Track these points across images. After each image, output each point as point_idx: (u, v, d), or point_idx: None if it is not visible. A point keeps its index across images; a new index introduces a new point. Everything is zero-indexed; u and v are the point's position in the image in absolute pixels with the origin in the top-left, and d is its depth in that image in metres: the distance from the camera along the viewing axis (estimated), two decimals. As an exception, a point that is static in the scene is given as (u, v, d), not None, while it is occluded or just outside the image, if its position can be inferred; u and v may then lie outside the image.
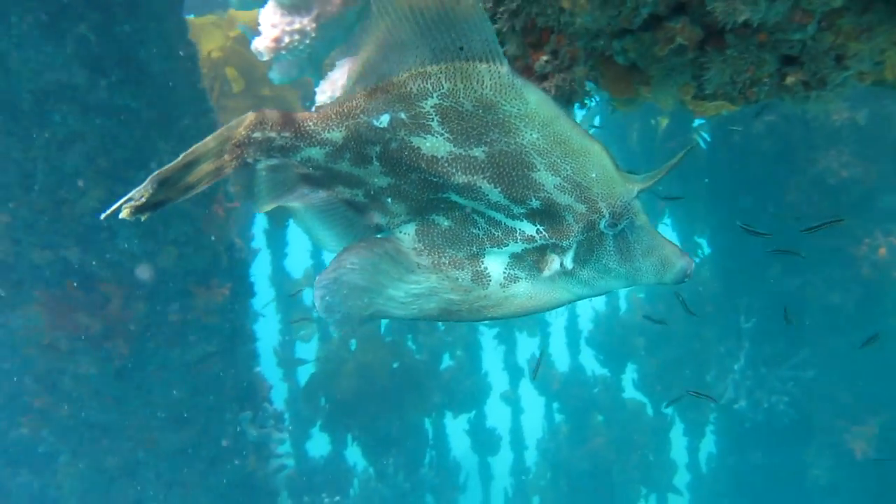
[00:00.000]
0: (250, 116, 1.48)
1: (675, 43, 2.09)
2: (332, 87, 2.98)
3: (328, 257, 1.63)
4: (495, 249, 1.59)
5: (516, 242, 1.57)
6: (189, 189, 1.44)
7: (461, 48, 1.37)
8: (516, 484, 10.97)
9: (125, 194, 1.38)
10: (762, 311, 7.35)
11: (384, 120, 1.45)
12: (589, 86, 2.43)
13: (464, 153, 1.46)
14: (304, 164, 1.53)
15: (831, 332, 7.17)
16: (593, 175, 1.48)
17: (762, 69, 2.10)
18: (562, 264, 1.57)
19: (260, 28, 3.31)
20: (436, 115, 1.43)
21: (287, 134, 1.49)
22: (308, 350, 9.64)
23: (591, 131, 7.37)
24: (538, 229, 1.55)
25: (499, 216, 1.55)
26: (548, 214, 1.52)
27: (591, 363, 10.47)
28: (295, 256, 9.56)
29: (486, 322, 9.48)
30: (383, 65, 1.42)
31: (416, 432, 9.21)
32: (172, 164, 1.41)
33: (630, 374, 9.94)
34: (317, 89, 3.07)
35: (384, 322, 8.93)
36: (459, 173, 1.48)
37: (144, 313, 5.46)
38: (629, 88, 2.38)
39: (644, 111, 7.92)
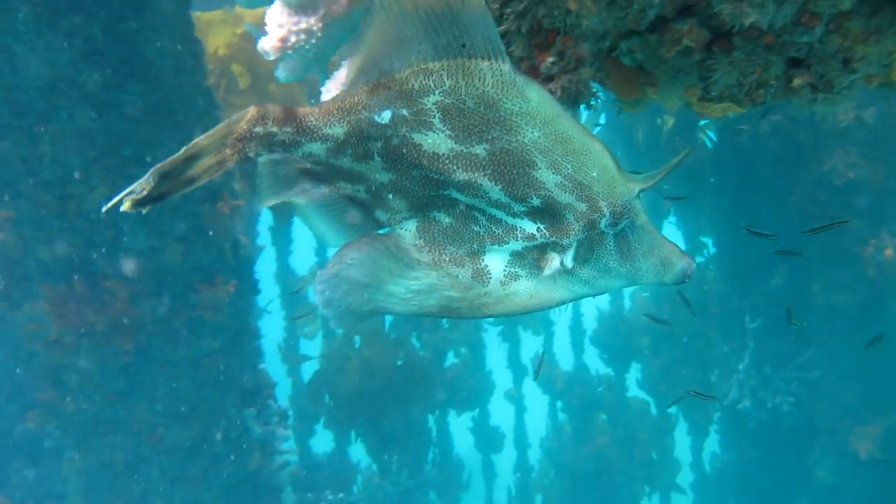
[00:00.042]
0: (252, 111, 1.48)
1: (681, 45, 2.09)
2: (337, 86, 2.99)
3: (333, 254, 1.64)
4: (496, 247, 1.59)
5: (517, 240, 1.57)
6: (190, 182, 1.44)
7: (464, 45, 1.37)
8: (519, 482, 10.96)
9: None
10: (767, 311, 7.33)
11: (386, 116, 1.46)
12: (595, 87, 2.43)
13: (465, 150, 1.46)
14: (305, 160, 1.54)
15: (836, 332, 7.15)
16: (594, 174, 1.48)
17: (769, 71, 2.09)
18: (562, 263, 1.57)
19: (266, 28, 3.32)
20: (437, 112, 1.43)
21: (288, 129, 1.49)
22: (312, 347, 9.65)
23: (597, 129, 7.37)
24: (539, 227, 1.55)
25: (500, 214, 1.55)
26: (548, 213, 1.52)
27: (595, 362, 10.46)
28: (300, 254, 9.57)
29: (490, 319, 9.52)
30: (385, 60, 1.42)
31: (420, 430, 9.21)
32: (174, 157, 1.42)
33: (634, 374, 9.93)
34: (322, 89, 3.08)
35: (388, 319, 8.95)
36: (460, 170, 1.48)
37: (149, 310, 5.48)
38: (635, 90, 2.38)
39: (650, 110, 7.90)
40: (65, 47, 4.67)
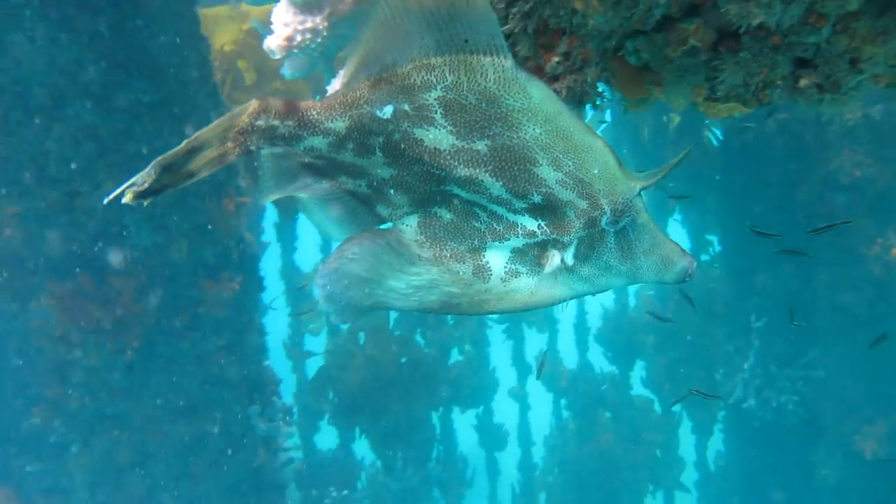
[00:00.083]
0: (254, 104, 1.48)
1: (687, 44, 2.08)
2: (341, 83, 2.99)
3: (334, 249, 1.64)
4: (497, 244, 1.59)
5: (518, 237, 1.57)
6: (191, 175, 1.44)
7: (466, 41, 1.37)
8: (524, 480, 10.96)
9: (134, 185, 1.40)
10: (773, 309, 7.31)
11: (387, 111, 1.46)
12: (600, 86, 2.42)
13: (466, 146, 1.46)
14: (307, 154, 1.53)
15: (842, 332, 7.12)
16: (595, 171, 1.48)
17: (775, 72, 2.08)
18: (563, 260, 1.57)
19: (272, 26, 3.32)
20: (439, 108, 1.43)
21: (290, 122, 1.49)
22: (317, 343, 9.66)
23: (602, 127, 7.35)
24: (539, 224, 1.55)
25: (501, 210, 1.55)
26: (549, 210, 1.52)
27: (599, 360, 10.45)
28: (305, 250, 9.58)
29: (494, 316, 9.52)
30: (387, 55, 1.42)
31: (424, 427, 9.22)
32: (175, 149, 1.41)
33: (638, 372, 9.90)
34: (328, 87, 3.08)
35: (393, 316, 8.95)
36: (462, 166, 1.48)
37: (155, 306, 5.50)
38: (641, 89, 2.37)
39: (656, 108, 7.88)
40: (71, 44, 4.69)
